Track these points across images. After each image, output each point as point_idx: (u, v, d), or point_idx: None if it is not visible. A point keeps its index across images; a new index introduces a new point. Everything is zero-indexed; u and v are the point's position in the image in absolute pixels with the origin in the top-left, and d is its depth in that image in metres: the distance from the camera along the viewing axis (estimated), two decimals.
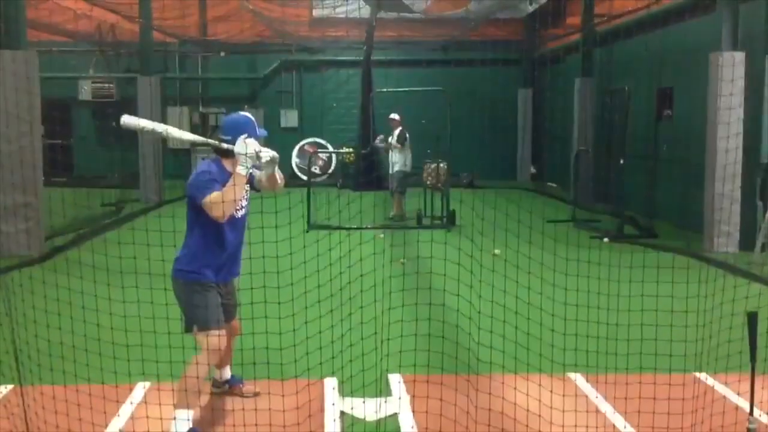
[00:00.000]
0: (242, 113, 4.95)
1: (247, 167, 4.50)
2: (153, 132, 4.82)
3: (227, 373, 5.46)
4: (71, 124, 22.14)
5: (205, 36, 22.40)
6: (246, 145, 4.47)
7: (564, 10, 20.35)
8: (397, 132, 14.71)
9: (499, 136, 22.13)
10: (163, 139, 4.88)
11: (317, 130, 22.56)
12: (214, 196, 4.48)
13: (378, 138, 16.17)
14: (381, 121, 19.54)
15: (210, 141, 4.78)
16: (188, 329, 4.74)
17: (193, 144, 4.93)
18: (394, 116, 14.94)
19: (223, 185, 4.54)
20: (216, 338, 4.66)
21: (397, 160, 14.60)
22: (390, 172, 14.91)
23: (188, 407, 4.58)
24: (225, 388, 5.45)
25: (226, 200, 4.47)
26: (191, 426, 4.57)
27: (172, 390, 4.67)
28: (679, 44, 13.98)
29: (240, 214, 4.81)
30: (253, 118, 4.90)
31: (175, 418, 4.55)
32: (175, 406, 4.58)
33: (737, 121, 10.73)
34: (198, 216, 4.65)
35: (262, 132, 4.83)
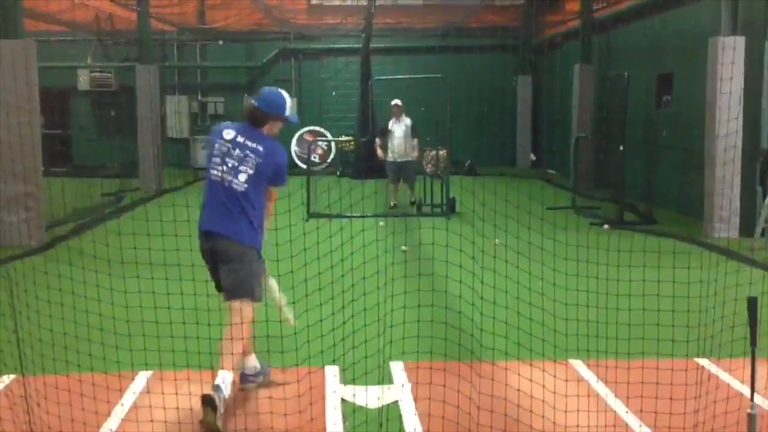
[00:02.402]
0: (281, 92, 5.26)
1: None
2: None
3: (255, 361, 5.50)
4: (70, 114, 22.09)
5: (203, 24, 22.34)
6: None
7: None
8: (406, 119, 14.43)
9: (498, 122, 22.09)
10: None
11: (316, 118, 22.51)
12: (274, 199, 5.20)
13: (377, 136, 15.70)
14: (380, 108, 19.54)
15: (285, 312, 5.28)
16: (247, 295, 4.97)
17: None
18: (397, 102, 14.43)
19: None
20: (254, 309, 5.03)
21: (409, 149, 14.31)
22: (398, 160, 14.31)
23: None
24: (258, 381, 5.40)
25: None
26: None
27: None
28: (679, 29, 13.94)
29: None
30: (288, 101, 5.21)
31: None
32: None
33: (737, 105, 10.70)
34: (265, 190, 5.03)
35: (293, 118, 5.27)
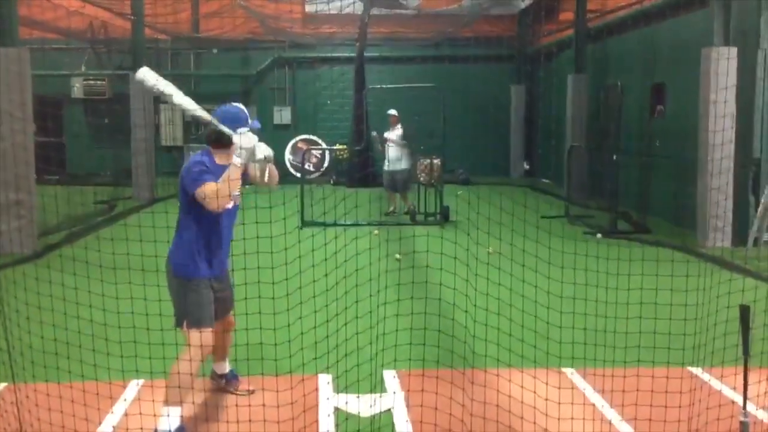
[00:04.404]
0: (234, 104, 4.96)
1: (242, 159, 4.52)
2: (162, 94, 4.75)
3: (225, 367, 5.44)
4: (63, 122, 22.05)
5: (198, 33, 22.35)
6: (243, 138, 4.52)
7: (557, 6, 20.39)
8: (398, 129, 14.55)
9: (492, 132, 22.13)
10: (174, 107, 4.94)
11: (310, 126, 22.52)
12: (209, 187, 4.49)
13: (374, 134, 15.96)
14: (374, 117, 19.57)
15: (212, 120, 4.75)
16: (179, 324, 4.72)
17: (194, 118, 4.90)
18: (393, 112, 14.66)
19: (217, 177, 4.55)
20: (207, 335, 4.66)
21: (401, 158, 14.44)
22: (389, 169, 14.51)
23: (178, 404, 4.56)
24: (221, 383, 5.42)
25: (221, 193, 4.48)
26: (179, 424, 4.56)
27: (165, 386, 4.65)
28: (672, 40, 13.99)
29: (231, 205, 4.75)
30: (245, 109, 4.93)
31: (163, 415, 4.53)
32: (165, 403, 4.56)
33: (729, 115, 10.74)
34: (191, 208, 4.64)
35: (255, 123, 4.82)
